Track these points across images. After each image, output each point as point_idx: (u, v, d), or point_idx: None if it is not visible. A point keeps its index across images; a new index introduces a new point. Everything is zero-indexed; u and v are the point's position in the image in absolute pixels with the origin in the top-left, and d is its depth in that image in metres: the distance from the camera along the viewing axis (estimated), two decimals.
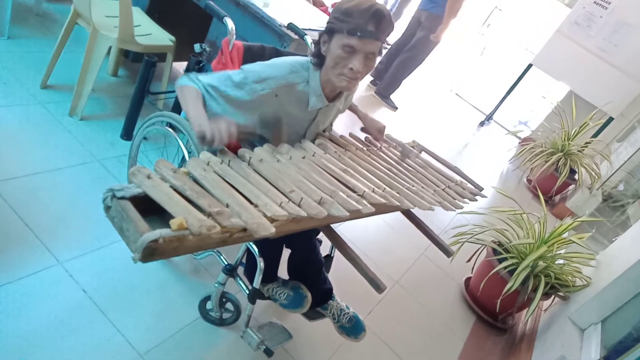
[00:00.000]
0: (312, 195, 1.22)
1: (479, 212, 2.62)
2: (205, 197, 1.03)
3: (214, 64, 1.72)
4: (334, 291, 1.77)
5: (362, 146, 1.75)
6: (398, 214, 1.73)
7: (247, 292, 1.67)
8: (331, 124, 1.80)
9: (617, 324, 2.11)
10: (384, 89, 4.79)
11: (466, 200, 1.82)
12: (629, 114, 4.83)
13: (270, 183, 1.21)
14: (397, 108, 4.81)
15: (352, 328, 1.71)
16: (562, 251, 2.53)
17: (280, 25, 2.22)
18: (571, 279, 2.39)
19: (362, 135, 1.85)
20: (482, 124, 5.85)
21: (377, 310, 2.31)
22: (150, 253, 0.87)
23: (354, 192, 1.35)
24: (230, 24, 1.85)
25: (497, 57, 8.70)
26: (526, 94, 6.78)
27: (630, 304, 2.10)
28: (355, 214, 1.28)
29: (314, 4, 3.50)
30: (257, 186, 1.17)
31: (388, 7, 6.57)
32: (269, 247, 1.58)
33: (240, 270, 1.77)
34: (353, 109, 1.84)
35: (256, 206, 1.08)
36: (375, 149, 1.79)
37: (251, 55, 1.73)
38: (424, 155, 1.99)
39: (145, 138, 1.81)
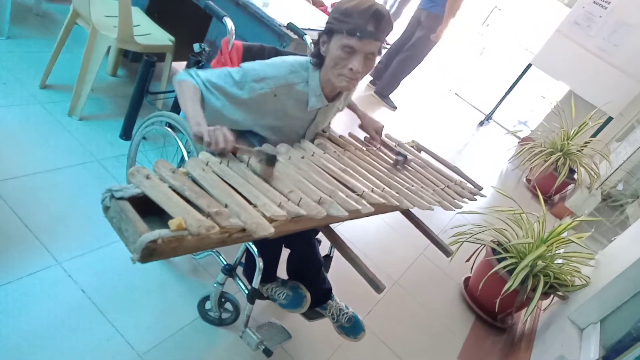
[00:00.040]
0: (311, 195, 1.22)
1: (478, 211, 2.62)
2: (204, 197, 1.03)
3: (213, 63, 1.72)
4: (333, 291, 1.77)
5: (361, 146, 1.75)
6: (397, 213, 1.73)
7: (246, 292, 1.67)
8: (329, 123, 1.80)
9: (616, 324, 2.11)
10: (384, 88, 4.79)
11: (465, 199, 1.82)
12: (628, 114, 4.83)
13: (269, 183, 1.21)
14: (396, 108, 4.81)
15: (352, 328, 1.71)
16: (561, 251, 2.53)
17: (279, 25, 2.22)
18: (570, 279, 2.39)
19: (362, 135, 1.85)
20: (481, 123, 5.85)
21: (377, 310, 2.31)
22: (149, 253, 0.87)
23: (353, 192, 1.35)
24: (229, 23, 1.85)
25: (497, 57, 8.69)
26: (526, 94, 6.78)
27: (629, 303, 2.10)
28: (355, 214, 1.28)
29: (314, 3, 3.50)
30: (256, 186, 1.17)
31: (387, 6, 6.57)
32: (268, 247, 1.58)
33: (240, 270, 1.77)
34: (352, 107, 1.84)
35: (255, 206, 1.08)
36: (375, 148, 1.79)
37: (250, 55, 1.73)
38: (423, 155, 1.98)
39: (144, 138, 1.81)
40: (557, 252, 2.45)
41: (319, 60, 1.44)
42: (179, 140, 1.69)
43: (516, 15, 8.57)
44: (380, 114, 4.55)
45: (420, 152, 2.00)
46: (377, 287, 1.32)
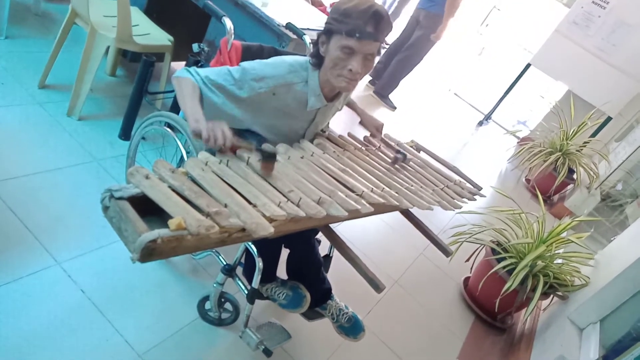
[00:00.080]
0: (310, 195, 1.22)
1: (478, 211, 2.62)
2: (203, 197, 1.03)
3: (212, 63, 1.72)
4: (333, 291, 1.77)
5: (360, 146, 1.75)
6: (397, 213, 1.73)
7: (246, 292, 1.67)
8: (327, 123, 1.80)
9: (616, 324, 2.11)
10: (383, 88, 4.79)
11: (465, 199, 1.82)
12: (627, 114, 4.83)
13: (268, 183, 1.21)
14: (395, 108, 4.81)
15: (351, 328, 1.71)
16: (561, 251, 2.53)
17: (278, 25, 2.22)
18: (570, 279, 2.39)
19: (361, 135, 1.85)
20: (480, 123, 5.86)
21: (376, 310, 2.31)
22: (148, 253, 0.87)
23: (353, 191, 1.35)
24: (228, 23, 1.84)
25: (496, 57, 8.70)
26: (525, 94, 6.78)
27: (629, 303, 2.10)
28: (354, 214, 1.28)
29: (313, 3, 3.50)
30: (255, 186, 1.17)
31: (385, 6, 6.57)
32: (268, 247, 1.58)
33: (239, 270, 1.77)
34: (351, 105, 1.84)
35: (255, 206, 1.08)
36: (374, 148, 1.79)
37: (249, 55, 1.73)
38: (422, 155, 1.98)
39: (143, 138, 1.81)
40: (556, 252, 2.45)
41: (318, 60, 1.44)
42: (178, 140, 1.69)
43: (515, 15, 8.58)
44: (379, 114, 4.55)
45: (419, 152, 2.00)
46: (376, 287, 1.32)
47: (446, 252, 1.74)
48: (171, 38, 2.58)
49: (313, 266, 1.74)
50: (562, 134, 4.34)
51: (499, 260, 2.43)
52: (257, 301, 1.68)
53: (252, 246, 1.58)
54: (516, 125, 6.40)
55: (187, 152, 1.69)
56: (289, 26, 2.18)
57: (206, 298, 1.78)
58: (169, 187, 1.03)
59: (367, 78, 5.04)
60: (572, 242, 2.45)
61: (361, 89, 4.91)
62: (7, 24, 2.63)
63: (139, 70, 2.33)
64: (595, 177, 4.23)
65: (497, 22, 8.79)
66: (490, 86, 7.05)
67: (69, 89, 2.39)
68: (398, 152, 1.76)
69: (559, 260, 2.48)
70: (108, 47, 2.34)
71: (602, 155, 4.34)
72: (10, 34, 2.69)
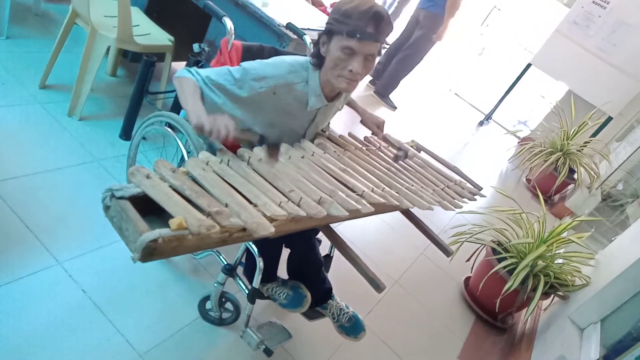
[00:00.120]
0: (311, 194, 1.22)
1: (478, 211, 2.62)
2: (204, 196, 1.03)
3: (213, 63, 1.72)
4: (334, 291, 1.77)
5: (361, 146, 1.75)
6: (397, 213, 1.73)
7: (247, 292, 1.67)
8: (328, 123, 1.80)
9: (617, 323, 2.11)
10: (383, 88, 4.79)
11: (465, 199, 1.82)
12: (628, 114, 4.83)
13: (269, 183, 1.21)
14: (396, 108, 4.81)
15: (352, 327, 1.71)
16: (562, 250, 2.53)
17: (279, 25, 2.22)
18: (570, 279, 2.39)
19: (362, 135, 1.85)
20: (481, 123, 5.86)
21: (377, 309, 2.31)
22: (149, 253, 0.87)
23: (353, 191, 1.35)
24: (229, 23, 1.84)
25: (496, 57, 8.70)
26: (525, 94, 6.78)
27: (630, 303, 2.10)
28: (355, 214, 1.28)
29: (313, 3, 3.50)
30: (256, 186, 1.17)
31: (385, 6, 6.57)
32: (269, 247, 1.58)
33: (240, 270, 1.77)
34: (351, 104, 1.84)
35: (255, 206, 1.08)
36: (375, 148, 1.79)
37: (250, 55, 1.73)
38: (423, 154, 1.98)
39: (144, 138, 1.81)
40: (557, 252, 2.45)
41: (318, 60, 1.44)
42: (179, 140, 1.69)
43: (516, 15, 8.58)
44: (380, 114, 4.50)
45: (420, 152, 2.00)
46: (377, 286, 1.32)
47: (447, 252, 1.74)
48: (172, 38, 2.58)
49: (314, 266, 1.74)
50: (562, 133, 4.34)
51: (500, 260, 2.43)
52: (257, 301, 1.68)
53: (253, 246, 1.58)
54: (517, 125, 6.40)
55: (188, 152, 1.69)
56: (290, 26, 2.18)
57: (207, 298, 1.78)
58: (170, 186, 1.03)
59: (368, 78, 5.04)
60: (573, 242, 2.45)
61: (361, 89, 4.92)
62: (7, 24, 2.63)
63: (139, 71, 2.33)
64: (596, 177, 4.23)
65: (498, 22, 8.78)
66: (490, 86, 7.05)
67: (70, 89, 2.40)
68: (399, 149, 1.76)
69: (560, 260, 2.48)
70: (109, 47, 2.34)
71: (603, 155, 4.34)
72: (11, 34, 2.69)
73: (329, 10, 3.62)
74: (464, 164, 3.98)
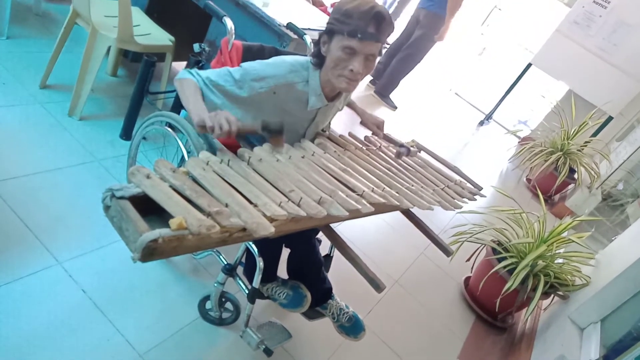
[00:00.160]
0: (311, 194, 1.22)
1: (479, 211, 2.62)
2: (204, 196, 1.03)
3: (213, 63, 1.72)
4: (334, 291, 1.77)
5: (361, 146, 1.75)
6: (397, 213, 1.73)
7: (247, 292, 1.67)
8: (329, 123, 1.80)
9: (617, 323, 2.11)
10: (383, 88, 4.79)
11: (465, 199, 1.82)
12: (628, 113, 4.83)
13: (269, 183, 1.21)
14: (396, 107, 4.81)
15: (352, 327, 1.71)
16: (562, 250, 2.53)
17: (279, 24, 2.22)
18: (570, 278, 2.39)
19: (362, 133, 1.85)
20: (481, 123, 5.85)
21: (377, 309, 2.31)
22: (149, 253, 0.87)
23: (354, 191, 1.35)
24: (229, 23, 1.84)
25: (497, 57, 8.70)
26: (526, 94, 6.78)
27: (630, 303, 2.10)
28: (355, 214, 1.28)
29: (314, 3, 3.50)
30: (256, 186, 1.17)
31: (385, 5, 6.57)
32: (269, 247, 1.58)
33: (240, 269, 1.77)
34: (351, 105, 1.84)
35: (255, 206, 1.08)
36: (375, 148, 1.79)
37: (250, 55, 1.73)
38: (423, 154, 1.99)
39: (144, 138, 1.81)
40: (557, 251, 2.45)
41: (319, 60, 1.44)
42: (179, 140, 1.69)
43: (516, 15, 8.58)
44: (380, 114, 4.53)
45: (420, 152, 2.00)
46: (377, 286, 1.32)
47: (447, 251, 1.74)
48: (172, 38, 2.58)
49: (314, 266, 1.74)
50: (563, 133, 4.34)
51: (500, 260, 2.43)
52: (257, 301, 1.68)
53: (253, 246, 1.58)
54: (517, 125, 6.40)
55: (188, 152, 1.69)
56: (290, 26, 2.18)
57: (207, 298, 1.78)
58: (170, 186, 1.03)
59: (368, 78, 5.04)
60: (573, 241, 2.45)
61: (362, 88, 4.92)
62: (8, 24, 2.63)
63: (140, 70, 2.34)
64: (596, 176, 4.22)
65: (498, 22, 8.78)
66: (491, 86, 7.05)
67: (70, 89, 2.40)
68: (402, 145, 1.76)
69: (560, 260, 2.48)
70: (109, 47, 2.34)
71: (603, 154, 4.34)
72: (12, 34, 2.69)
73: (330, 10, 3.62)
74: (464, 163, 3.98)
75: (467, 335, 2.48)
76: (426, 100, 5.84)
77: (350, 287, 1.98)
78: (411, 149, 1.80)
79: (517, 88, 5.54)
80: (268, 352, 1.63)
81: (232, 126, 1.23)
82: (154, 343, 1.64)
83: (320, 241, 1.95)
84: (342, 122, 2.56)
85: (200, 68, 2.24)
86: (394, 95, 4.85)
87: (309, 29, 2.31)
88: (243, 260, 1.75)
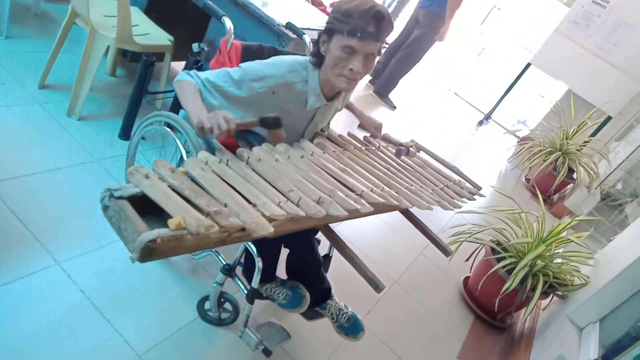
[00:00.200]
0: (310, 194, 1.22)
1: (478, 211, 2.62)
2: (203, 196, 1.03)
3: (212, 63, 1.72)
4: (333, 291, 1.77)
5: (360, 145, 1.75)
6: (397, 213, 1.73)
7: (246, 292, 1.67)
8: (328, 123, 1.79)
9: (616, 323, 2.11)
10: (382, 87, 4.79)
11: (465, 199, 1.82)
12: (628, 113, 4.83)
13: (268, 182, 1.21)
14: (395, 107, 4.81)
15: (351, 328, 1.71)
16: (561, 250, 2.53)
17: (278, 24, 2.22)
18: (569, 278, 2.39)
19: (361, 135, 1.85)
20: (480, 123, 5.86)
21: (376, 309, 2.31)
22: (148, 253, 0.87)
23: (353, 191, 1.35)
24: (228, 23, 1.84)
25: (496, 56, 8.70)
26: (525, 93, 6.78)
27: (629, 302, 2.10)
28: (354, 214, 1.28)
29: (313, 3, 3.50)
30: (255, 186, 1.17)
31: (385, 5, 6.57)
32: (268, 247, 1.58)
33: (239, 270, 1.77)
34: (350, 107, 1.84)
35: (254, 206, 1.08)
36: (374, 148, 1.79)
37: (249, 54, 1.73)
38: (422, 154, 1.98)
39: (143, 138, 1.81)
40: (556, 251, 2.45)
41: (318, 59, 1.44)
42: (178, 140, 1.69)
43: (515, 15, 8.58)
44: (379, 114, 4.55)
45: (419, 152, 2.00)
46: (376, 286, 1.32)
47: (446, 251, 1.74)
48: (171, 38, 2.58)
49: (313, 266, 1.74)
50: (562, 133, 4.34)
51: (499, 260, 2.43)
52: (256, 301, 1.68)
53: (252, 246, 1.58)
54: (516, 125, 6.40)
55: (187, 152, 1.69)
56: (289, 26, 2.18)
57: (206, 298, 1.78)
58: (169, 186, 1.03)
59: (367, 78, 5.04)
60: (572, 241, 2.45)
61: (361, 88, 4.92)
62: (7, 24, 2.63)
63: (139, 70, 2.33)
64: (595, 176, 4.23)
65: (498, 21, 8.79)
66: (490, 86, 7.05)
67: (69, 89, 2.39)
68: (401, 144, 1.76)
69: (559, 260, 2.48)
70: (108, 47, 2.34)
71: (602, 154, 4.35)
72: (11, 34, 2.69)
73: (329, 10, 3.62)
74: (463, 163, 3.98)
75: (466, 335, 2.48)
76: (425, 100, 5.84)
77: (349, 287, 1.98)
78: (410, 149, 1.79)
79: (516, 88, 5.54)
80: (267, 352, 1.63)
81: (230, 125, 1.23)
82: (153, 343, 1.64)
83: (319, 241, 1.95)
84: (341, 122, 2.56)
85: (199, 68, 2.24)
86: (393, 95, 4.85)
87: (308, 28, 2.31)
88: (242, 260, 1.75)
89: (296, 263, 1.75)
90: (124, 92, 2.72)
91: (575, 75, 4.97)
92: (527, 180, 4.84)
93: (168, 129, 1.69)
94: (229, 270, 1.69)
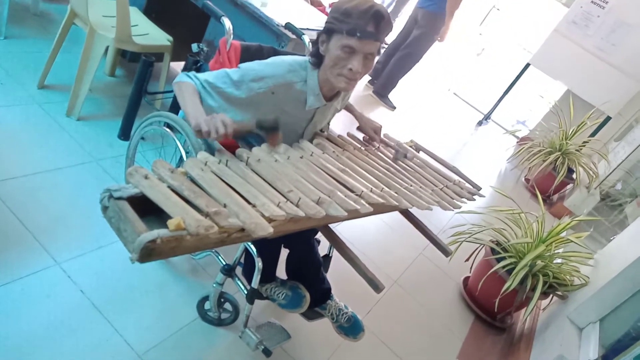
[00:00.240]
0: (310, 195, 1.22)
1: (477, 211, 2.62)
2: (202, 197, 1.03)
3: (212, 63, 1.72)
4: (333, 291, 1.77)
5: (360, 146, 1.75)
6: (396, 213, 1.73)
7: (246, 292, 1.67)
8: (328, 124, 1.79)
9: (615, 323, 2.11)
10: (382, 87, 4.79)
11: (464, 199, 1.82)
12: (627, 113, 4.83)
13: (268, 183, 1.21)
14: (395, 107, 4.81)
15: (351, 328, 1.71)
16: (560, 250, 2.53)
17: (277, 24, 2.22)
18: (569, 278, 2.39)
19: (360, 135, 1.85)
20: (480, 123, 5.86)
21: (376, 310, 2.31)
22: (147, 253, 0.87)
23: (352, 191, 1.35)
24: (227, 23, 1.84)
25: (495, 57, 8.71)
26: (524, 93, 6.78)
27: (628, 302, 2.10)
28: (354, 214, 1.28)
29: (312, 3, 3.49)
30: (255, 186, 1.17)
31: (385, 5, 6.57)
32: (267, 247, 1.58)
33: (239, 270, 1.77)
34: (349, 108, 1.84)
35: (254, 206, 1.08)
36: (374, 148, 1.79)
37: (249, 55, 1.73)
38: (422, 154, 1.98)
39: (142, 138, 1.81)
40: (556, 251, 2.45)
41: (317, 59, 1.44)
42: (178, 141, 1.69)
43: (514, 15, 8.59)
44: (379, 114, 4.55)
45: (418, 152, 2.00)
46: (376, 287, 1.32)
47: (446, 252, 1.74)
48: (170, 38, 2.57)
49: (312, 266, 1.74)
50: (561, 133, 4.34)
51: (499, 260, 2.43)
52: (256, 301, 1.68)
53: (252, 246, 1.58)
54: (515, 125, 6.40)
55: (186, 152, 1.69)
56: (288, 26, 2.18)
57: (206, 298, 1.78)
58: (168, 187, 1.03)
59: (367, 78, 5.04)
60: (572, 241, 2.45)
61: (360, 88, 4.91)
62: (6, 24, 2.63)
63: (138, 71, 2.33)
64: (594, 176, 4.23)
65: (497, 22, 8.79)
66: (489, 86, 7.05)
67: (68, 89, 2.39)
68: (398, 150, 1.76)
69: (559, 260, 2.48)
70: (107, 47, 2.34)
71: (602, 154, 4.35)
72: (10, 34, 2.69)
73: (328, 10, 3.62)
74: (462, 163, 3.97)
75: (466, 335, 2.48)
76: (425, 100, 5.84)
77: (349, 288, 1.98)
78: (408, 153, 1.79)
79: (515, 88, 5.54)
80: (267, 352, 1.62)
81: (228, 128, 1.23)
82: (153, 343, 1.64)
83: (319, 241, 1.95)
84: (340, 122, 2.56)
85: (199, 68, 2.24)
86: (392, 95, 4.85)
87: (307, 29, 2.31)
88: (242, 260, 1.75)
89: (296, 263, 1.75)
90: (123, 93, 2.72)
91: (574, 75, 4.97)
92: (527, 180, 4.85)
93: (167, 130, 1.69)
94: (228, 271, 1.69)
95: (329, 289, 1.76)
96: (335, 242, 1.41)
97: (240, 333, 1.65)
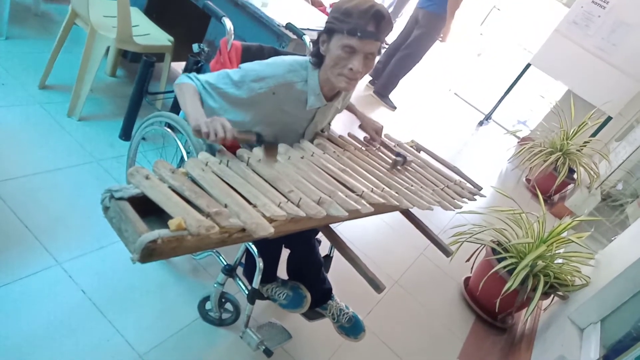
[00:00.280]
0: (310, 195, 1.22)
1: (478, 211, 2.62)
2: (203, 197, 1.03)
3: (213, 64, 1.72)
4: (333, 291, 1.77)
5: (360, 146, 1.75)
6: (397, 213, 1.73)
7: (247, 293, 1.67)
8: (329, 124, 1.79)
9: (617, 323, 2.11)
10: (382, 88, 4.79)
11: (465, 199, 1.82)
12: (628, 113, 4.83)
13: (269, 183, 1.21)
14: (395, 107, 4.81)
15: (352, 328, 1.71)
16: (561, 250, 2.53)
17: (278, 25, 2.22)
18: (570, 279, 2.39)
19: (361, 135, 1.85)
20: (481, 123, 5.85)
21: (377, 310, 2.31)
22: (148, 253, 0.87)
23: (353, 192, 1.35)
24: (228, 24, 1.84)
25: (496, 57, 8.70)
26: (525, 94, 6.78)
27: (630, 303, 2.10)
28: (354, 214, 1.28)
29: (313, 3, 3.50)
30: (255, 186, 1.17)
31: (385, 5, 6.57)
32: (268, 247, 1.58)
33: (240, 270, 1.77)
34: (350, 108, 1.84)
35: (255, 206, 1.08)
36: (374, 148, 1.79)
37: (249, 55, 1.73)
38: (422, 155, 1.98)
39: (143, 138, 1.81)
40: (557, 251, 2.45)
41: (318, 59, 1.44)
42: (179, 141, 1.69)
43: (515, 15, 8.58)
44: (379, 114, 4.55)
45: (419, 152, 2.00)
46: (377, 287, 1.32)
47: (446, 252, 1.74)
48: (171, 38, 2.58)
49: (313, 266, 1.74)
50: (562, 133, 4.34)
51: (500, 260, 2.43)
52: (257, 301, 1.68)
53: (253, 246, 1.58)
54: (516, 125, 6.40)
55: (188, 153, 1.69)
56: (289, 26, 2.18)
57: (207, 298, 1.78)
58: (169, 187, 1.03)
59: (367, 78, 5.04)
60: (573, 241, 2.45)
61: (361, 89, 4.92)
62: (7, 25, 2.63)
63: (139, 71, 2.33)
64: (595, 176, 4.23)
65: (497, 22, 8.79)
66: (490, 86, 7.05)
67: (69, 90, 2.39)
68: (398, 154, 1.76)
69: (560, 260, 2.48)
70: (108, 48, 2.34)
71: (603, 155, 4.34)
72: (11, 35, 2.69)
73: (329, 10, 3.62)
74: (463, 164, 3.97)
75: (467, 335, 2.48)
76: (425, 100, 5.84)
77: (350, 288, 1.98)
78: (407, 157, 1.79)
79: (516, 88, 5.54)
80: (268, 352, 1.62)
81: (227, 134, 1.22)
82: (154, 343, 1.64)
83: (319, 241, 1.95)
84: (341, 122, 2.56)
85: (199, 69, 2.24)
86: (393, 95, 4.85)
87: (308, 29, 2.31)
88: (243, 260, 1.75)
89: (297, 263, 1.75)
90: (124, 93, 2.72)
91: (575, 75, 4.97)
92: (528, 180, 4.84)
93: (169, 130, 1.69)
94: (229, 271, 1.69)
95: (330, 289, 1.76)
96: (336, 242, 1.41)
97: (241, 333, 1.65)
